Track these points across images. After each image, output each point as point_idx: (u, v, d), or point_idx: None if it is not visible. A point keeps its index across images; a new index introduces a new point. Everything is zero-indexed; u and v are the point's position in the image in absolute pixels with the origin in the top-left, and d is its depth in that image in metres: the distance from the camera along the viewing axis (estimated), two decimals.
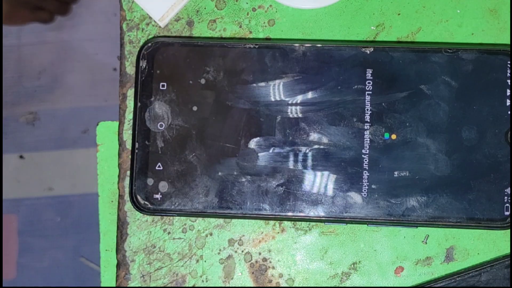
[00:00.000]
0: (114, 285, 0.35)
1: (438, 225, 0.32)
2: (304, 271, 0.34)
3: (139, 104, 0.33)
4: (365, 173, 0.32)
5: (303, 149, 0.33)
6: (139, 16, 0.35)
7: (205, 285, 0.34)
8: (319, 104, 0.33)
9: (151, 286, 0.34)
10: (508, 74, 0.32)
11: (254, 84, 0.33)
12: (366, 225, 0.34)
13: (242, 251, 0.34)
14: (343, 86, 0.33)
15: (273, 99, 0.33)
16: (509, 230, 0.33)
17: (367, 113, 0.33)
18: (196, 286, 0.35)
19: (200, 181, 0.33)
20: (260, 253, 0.34)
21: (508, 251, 0.34)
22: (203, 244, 0.34)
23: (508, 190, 0.32)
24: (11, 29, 0.95)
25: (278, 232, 0.34)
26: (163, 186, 0.33)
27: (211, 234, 0.35)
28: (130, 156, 0.34)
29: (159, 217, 0.34)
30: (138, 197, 0.33)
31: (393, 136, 0.33)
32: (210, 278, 0.34)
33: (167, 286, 0.34)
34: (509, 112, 0.32)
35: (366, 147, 0.33)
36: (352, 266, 0.34)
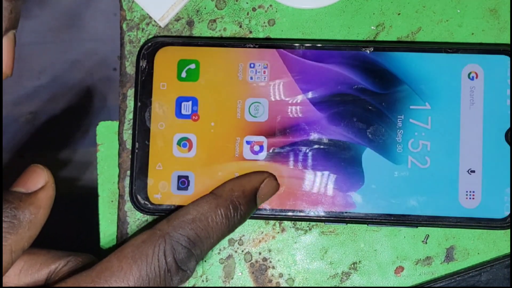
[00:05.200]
0: None
1: (438, 225, 0.32)
2: (304, 271, 0.34)
3: (139, 104, 0.33)
4: (365, 173, 0.32)
5: (303, 149, 0.33)
6: (139, 16, 0.35)
7: (205, 285, 0.34)
8: (319, 104, 0.33)
9: None
10: (508, 74, 0.32)
11: (254, 84, 0.33)
12: (366, 225, 0.34)
13: (242, 251, 0.34)
14: (343, 86, 0.33)
15: (273, 99, 0.33)
16: (509, 230, 0.33)
17: (367, 112, 0.33)
18: (196, 286, 0.35)
19: (201, 181, 0.33)
20: (260, 253, 0.34)
21: (508, 251, 0.34)
22: None
23: (508, 190, 0.32)
24: None
25: (278, 232, 0.34)
26: (163, 186, 0.33)
27: None
28: (130, 156, 0.34)
29: (159, 217, 0.34)
30: (138, 197, 0.33)
31: (394, 136, 0.33)
32: (210, 278, 0.34)
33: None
34: (509, 112, 0.32)
35: (367, 146, 0.33)
36: (352, 266, 0.34)
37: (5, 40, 0.29)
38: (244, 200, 0.31)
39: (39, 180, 0.29)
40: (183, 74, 0.33)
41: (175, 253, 0.28)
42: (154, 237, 0.28)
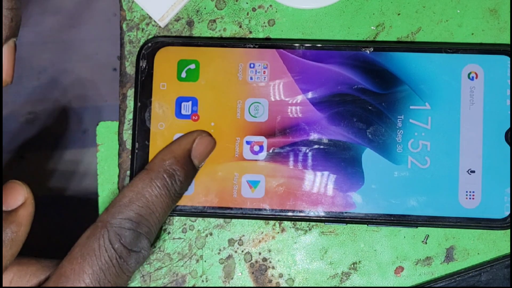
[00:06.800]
0: None
1: (438, 225, 0.32)
2: (304, 271, 0.34)
3: (139, 104, 0.33)
4: (365, 173, 0.33)
5: (303, 149, 0.33)
6: (139, 16, 0.35)
7: (205, 285, 0.34)
8: (319, 104, 0.33)
9: (151, 286, 0.34)
10: (508, 74, 0.32)
11: (254, 84, 0.33)
12: (366, 225, 0.34)
13: (242, 251, 0.34)
14: (343, 86, 0.33)
15: (273, 99, 0.33)
16: (509, 230, 0.33)
17: (367, 112, 0.33)
18: (196, 286, 0.35)
19: (200, 181, 0.33)
20: (260, 253, 0.34)
21: (508, 251, 0.34)
22: (203, 244, 0.35)
23: (508, 190, 0.32)
24: None
25: (278, 232, 0.34)
26: None
27: (211, 234, 0.35)
28: (130, 156, 0.34)
29: None
30: None
31: (394, 136, 0.33)
32: (210, 278, 0.35)
33: (167, 286, 0.34)
34: (509, 112, 0.32)
35: (367, 147, 0.33)
36: (352, 266, 0.34)
37: (5, 48, 0.29)
38: (178, 166, 0.30)
39: (18, 197, 0.29)
40: (183, 74, 0.33)
41: (121, 238, 0.28)
42: (96, 230, 0.28)
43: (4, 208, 0.29)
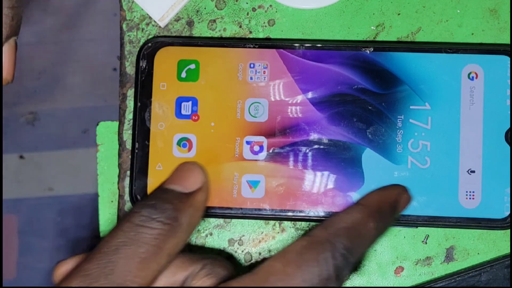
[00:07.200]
0: None
1: (438, 225, 0.32)
2: None
3: (139, 104, 0.33)
4: (365, 173, 0.33)
5: (303, 149, 0.33)
6: (139, 16, 0.35)
7: None
8: (319, 104, 0.33)
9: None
10: (508, 74, 0.32)
11: (254, 84, 0.33)
12: None
13: (242, 251, 0.34)
14: (343, 86, 0.33)
15: (273, 99, 0.33)
16: (509, 230, 0.33)
17: (367, 112, 0.33)
18: None
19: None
20: (260, 253, 0.34)
21: (508, 251, 0.34)
22: (203, 244, 0.34)
23: (508, 190, 0.32)
24: None
25: (278, 232, 0.34)
26: None
27: (211, 234, 0.35)
28: (130, 156, 0.34)
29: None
30: (138, 197, 0.33)
31: (394, 136, 0.33)
32: None
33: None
34: (509, 112, 0.32)
35: (367, 147, 0.33)
36: None
37: (6, 47, 0.29)
38: (388, 212, 0.30)
39: (196, 181, 0.28)
40: (183, 74, 0.33)
41: (336, 261, 0.27)
42: (315, 244, 0.27)
43: (180, 189, 0.28)
